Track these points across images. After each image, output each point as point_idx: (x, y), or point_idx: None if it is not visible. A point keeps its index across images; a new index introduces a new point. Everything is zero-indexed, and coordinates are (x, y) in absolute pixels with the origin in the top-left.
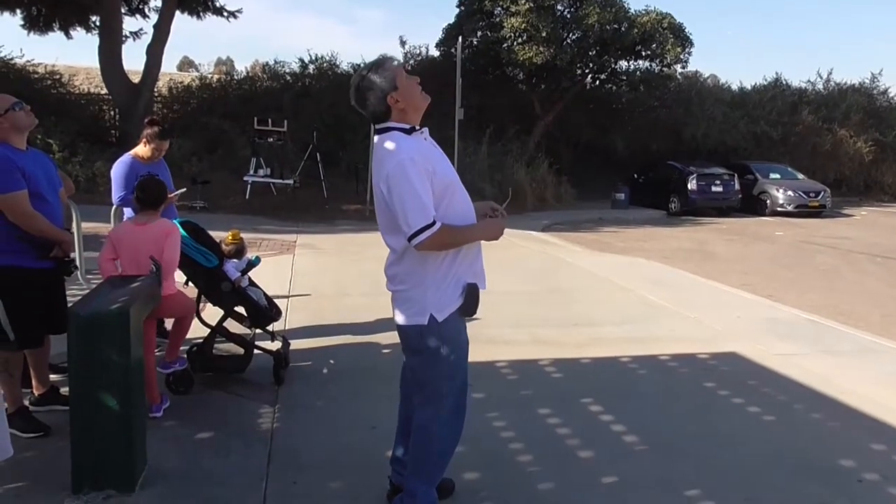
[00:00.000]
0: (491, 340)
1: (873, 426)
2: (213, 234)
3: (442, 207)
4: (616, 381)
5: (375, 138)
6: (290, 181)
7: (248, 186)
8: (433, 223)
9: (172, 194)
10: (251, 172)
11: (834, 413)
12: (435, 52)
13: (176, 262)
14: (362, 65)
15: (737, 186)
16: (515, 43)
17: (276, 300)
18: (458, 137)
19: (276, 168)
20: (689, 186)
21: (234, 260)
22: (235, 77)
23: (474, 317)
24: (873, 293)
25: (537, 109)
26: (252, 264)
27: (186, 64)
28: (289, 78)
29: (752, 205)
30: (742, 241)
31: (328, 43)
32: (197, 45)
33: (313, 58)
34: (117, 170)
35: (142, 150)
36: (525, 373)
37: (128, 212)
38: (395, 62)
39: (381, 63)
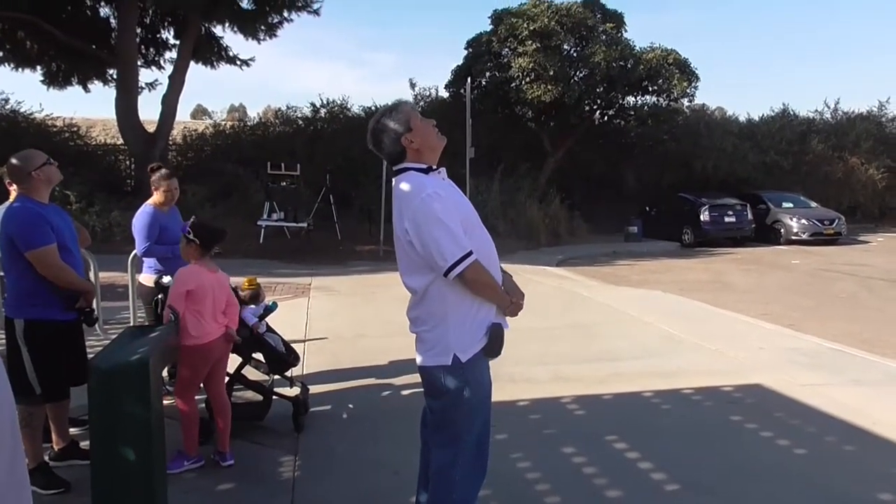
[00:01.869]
0: (512, 379)
1: None
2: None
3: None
4: (640, 417)
5: (394, 181)
6: (304, 224)
7: (262, 230)
8: (469, 253)
9: None
10: (265, 217)
11: (867, 445)
12: (444, 94)
13: (238, 307)
14: (374, 108)
15: (750, 216)
16: (523, 82)
17: (292, 344)
18: (470, 176)
19: (290, 211)
20: (701, 217)
21: (252, 306)
22: (248, 123)
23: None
24: None
25: (547, 146)
26: (269, 310)
27: (200, 111)
28: (301, 122)
29: (766, 234)
30: (758, 270)
31: (339, 87)
32: (210, 93)
33: (324, 102)
34: (140, 221)
35: (157, 197)
36: (548, 411)
37: (148, 262)
38: (409, 105)
39: (395, 106)
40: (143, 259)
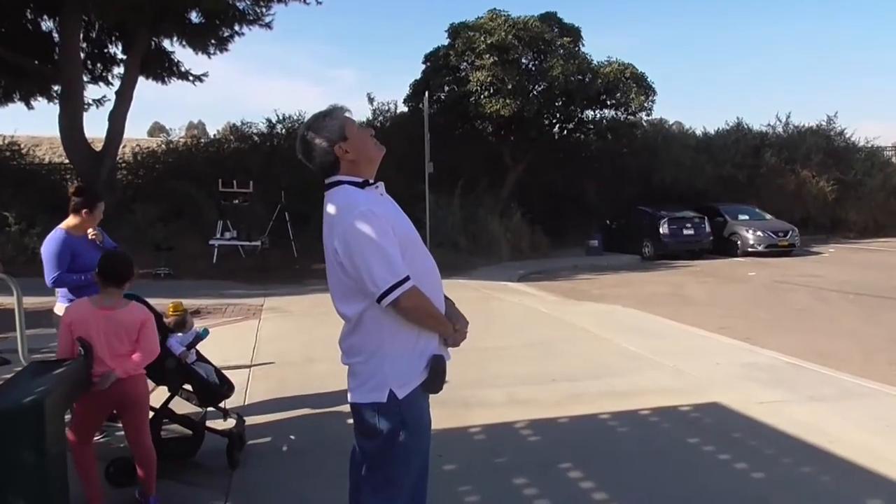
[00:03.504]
0: (465, 403)
1: (867, 478)
2: (170, 302)
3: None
4: (596, 442)
5: (325, 196)
6: (258, 243)
7: (215, 250)
8: (405, 279)
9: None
10: (217, 236)
11: (825, 466)
12: (403, 108)
13: (155, 354)
14: None
15: (708, 229)
16: (482, 96)
17: (238, 369)
18: (430, 191)
19: (244, 230)
20: (661, 231)
21: (179, 334)
22: (202, 140)
23: (447, 381)
24: (850, 331)
25: (508, 160)
26: (199, 337)
27: (157, 129)
28: (256, 138)
29: (724, 246)
30: (716, 282)
31: (300, 104)
32: (168, 110)
33: (281, 117)
34: (48, 248)
35: (71, 220)
36: (500, 438)
37: (62, 291)
38: (344, 111)
39: (328, 112)
40: (59, 291)
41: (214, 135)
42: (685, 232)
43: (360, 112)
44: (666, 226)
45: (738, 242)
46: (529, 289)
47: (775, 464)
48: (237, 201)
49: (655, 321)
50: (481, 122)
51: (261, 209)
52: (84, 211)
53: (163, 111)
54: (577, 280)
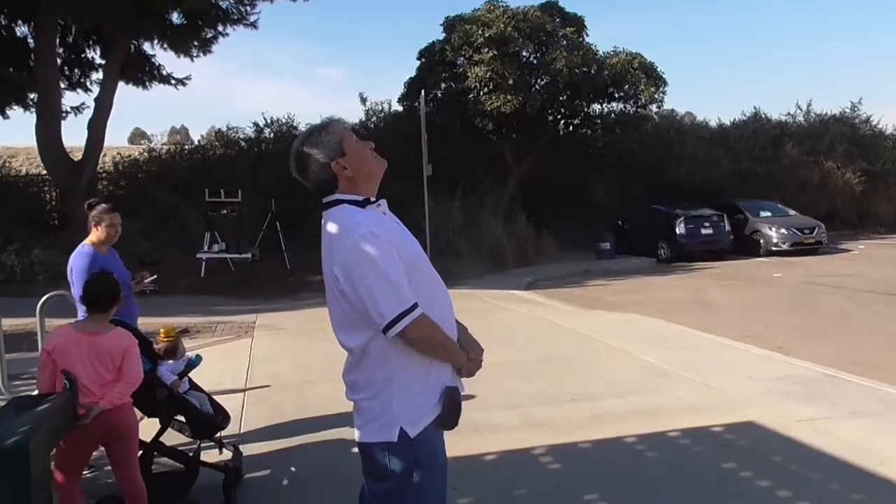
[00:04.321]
0: (477, 428)
1: None
2: (160, 321)
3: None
4: (623, 469)
5: (323, 216)
6: (248, 255)
7: (203, 264)
8: (413, 307)
9: (144, 280)
10: (205, 248)
11: (877, 492)
12: (398, 107)
13: (138, 382)
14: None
15: (727, 227)
16: (481, 93)
17: (232, 393)
18: (429, 195)
19: (232, 241)
20: (677, 231)
21: (170, 361)
22: (186, 147)
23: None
24: (889, 336)
25: (510, 160)
26: (192, 365)
27: (138, 136)
28: (243, 144)
29: (745, 245)
30: (739, 285)
31: (288, 105)
32: (149, 115)
33: (269, 120)
34: (78, 262)
35: (96, 235)
36: (518, 466)
37: (82, 309)
38: (342, 124)
39: (323, 126)
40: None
41: (199, 140)
42: (703, 231)
43: (353, 113)
44: (682, 225)
45: (761, 241)
46: (539, 297)
47: (822, 491)
48: (225, 211)
49: (677, 330)
50: (481, 120)
51: (250, 219)
52: (96, 224)
53: (144, 116)
54: (589, 286)
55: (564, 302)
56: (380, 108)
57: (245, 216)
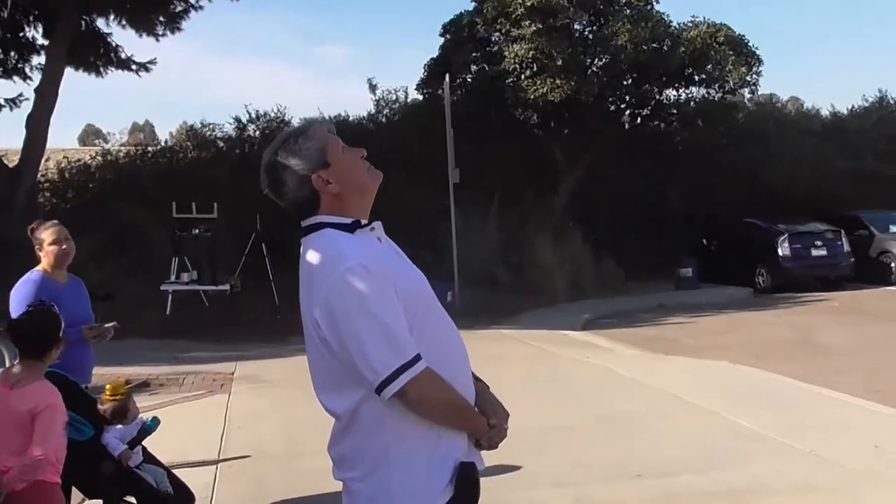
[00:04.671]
0: None
1: None
2: (113, 372)
3: (413, 334)
4: None
5: (302, 245)
6: (227, 286)
7: (169, 298)
8: (414, 360)
9: (104, 328)
10: (172, 278)
11: None
12: (417, 96)
13: (56, 449)
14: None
15: (846, 247)
16: (522, 76)
17: (201, 466)
18: (456, 208)
19: (207, 269)
20: (780, 252)
21: (118, 426)
22: (150, 148)
23: (490, 476)
24: None
25: (561, 162)
26: (147, 430)
27: (91, 135)
28: (222, 144)
29: (871, 270)
30: (862, 323)
31: (278, 94)
32: (106, 109)
33: (254, 114)
34: (21, 293)
35: (45, 261)
36: None
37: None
38: (325, 126)
39: (302, 130)
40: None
41: (166, 140)
42: (815, 253)
43: (360, 104)
44: (787, 245)
45: (892, 265)
46: (599, 339)
47: None
48: (198, 231)
49: (780, 383)
50: (523, 112)
51: (229, 240)
52: (39, 247)
53: (98, 111)
54: (663, 325)
55: (632, 345)
56: (393, 96)
57: (223, 237)
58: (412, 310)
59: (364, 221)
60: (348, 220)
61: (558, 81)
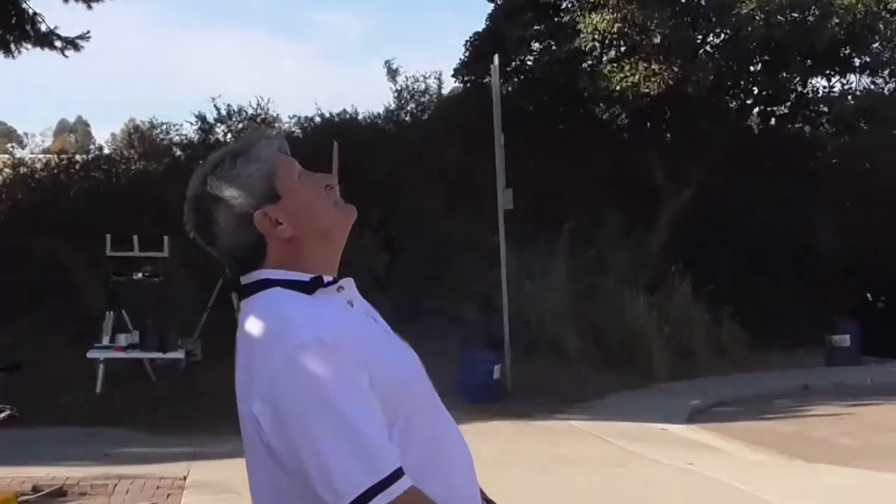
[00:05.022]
0: None
1: None
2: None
3: (396, 437)
4: None
5: (241, 309)
6: (181, 354)
7: (100, 369)
8: (394, 476)
9: None
10: (105, 342)
11: None
12: (454, 85)
13: None
14: (322, 117)
15: None
16: (605, 58)
17: None
18: (508, 243)
19: (154, 329)
20: None
21: None
22: (79, 158)
23: None
24: None
25: (660, 179)
26: None
27: (2, 136)
28: (178, 152)
29: None
30: None
31: (263, 79)
32: (22, 103)
33: (224, 111)
34: None
35: None
36: None
37: None
38: (275, 144)
39: (243, 149)
40: None
41: (101, 146)
42: None
43: (374, 94)
44: None
45: None
46: (711, 437)
47: None
48: (142, 275)
49: None
50: (605, 109)
51: (187, 288)
52: None
53: (11, 106)
54: (807, 417)
55: (759, 447)
56: (421, 85)
57: (178, 283)
58: (394, 405)
59: (329, 278)
60: (306, 277)
61: (656, 66)
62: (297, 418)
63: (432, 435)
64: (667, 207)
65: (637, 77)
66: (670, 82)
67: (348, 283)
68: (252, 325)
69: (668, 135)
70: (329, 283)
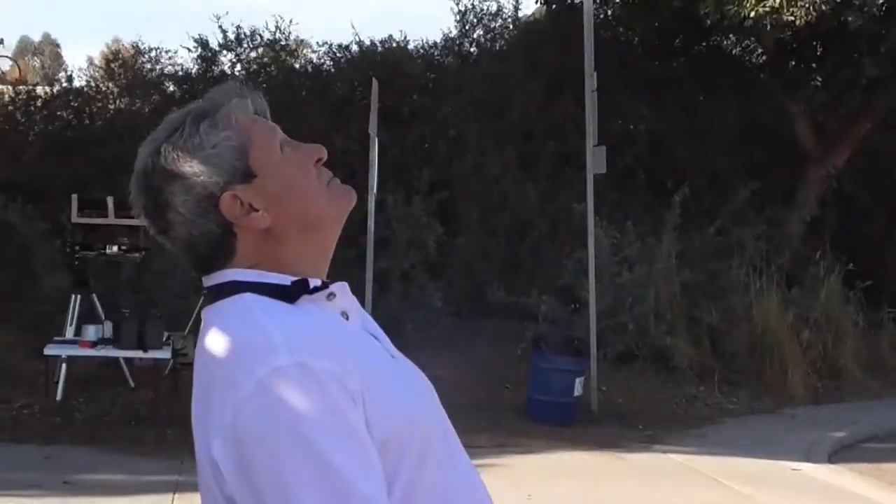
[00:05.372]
0: None
1: None
2: None
3: (398, 494)
4: None
5: (203, 318)
6: (167, 354)
7: (62, 369)
8: None
9: None
10: (68, 334)
11: None
12: (534, 7)
13: None
14: (356, 46)
15: None
16: None
17: None
18: (597, 218)
19: (131, 320)
20: None
21: None
22: (43, 91)
23: None
24: None
25: (805, 137)
26: None
27: None
28: (171, 87)
29: None
30: None
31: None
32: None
33: (232, 34)
34: None
35: None
36: None
37: None
38: (249, 103)
39: (206, 110)
40: None
41: (71, 74)
42: None
43: (430, 22)
44: None
45: None
46: (860, 483)
47: None
48: (117, 248)
49: None
50: (736, 42)
51: (175, 266)
52: None
53: None
54: None
55: None
56: (493, 6)
57: (162, 261)
58: (398, 451)
59: (316, 282)
60: (287, 280)
61: None
62: (267, 465)
63: (447, 491)
64: (813, 174)
65: (778, 1)
66: (823, 8)
67: (342, 288)
68: (214, 343)
69: (819, 79)
70: (316, 289)
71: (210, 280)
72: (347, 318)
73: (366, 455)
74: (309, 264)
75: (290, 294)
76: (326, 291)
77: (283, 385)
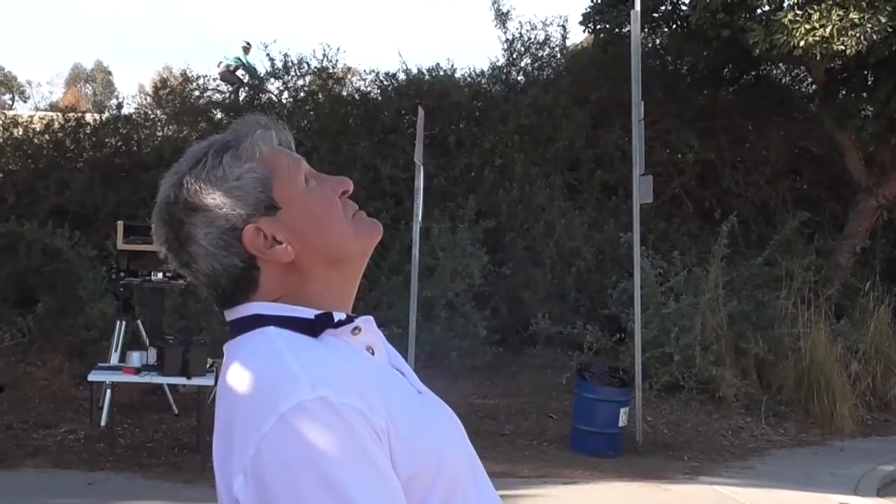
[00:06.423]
0: None
1: None
2: None
3: None
4: None
5: (224, 354)
6: (211, 381)
7: (107, 396)
8: None
9: None
10: (113, 360)
11: None
12: (582, 36)
13: None
14: (403, 73)
15: None
16: (785, 4)
17: None
18: (643, 247)
19: (176, 346)
20: None
21: None
22: (89, 118)
23: None
24: None
25: (856, 166)
26: None
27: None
28: (219, 114)
29: None
30: None
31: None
32: (33, 42)
33: (279, 62)
34: None
35: None
36: None
37: None
38: (275, 136)
39: (230, 142)
40: None
41: (120, 103)
42: None
43: (478, 49)
44: None
45: None
46: None
47: None
48: (162, 275)
49: None
50: (785, 72)
51: None
52: None
53: (10, 46)
54: None
55: None
56: (540, 34)
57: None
58: (425, 490)
59: (341, 315)
60: (310, 313)
61: (855, 15)
62: (288, 502)
63: None
64: (863, 205)
65: (830, 29)
66: (875, 37)
67: (367, 322)
68: (236, 377)
69: (871, 108)
70: (341, 323)
71: (232, 314)
72: (373, 353)
73: (389, 492)
74: (333, 298)
75: (313, 328)
76: (351, 325)
77: (306, 421)
